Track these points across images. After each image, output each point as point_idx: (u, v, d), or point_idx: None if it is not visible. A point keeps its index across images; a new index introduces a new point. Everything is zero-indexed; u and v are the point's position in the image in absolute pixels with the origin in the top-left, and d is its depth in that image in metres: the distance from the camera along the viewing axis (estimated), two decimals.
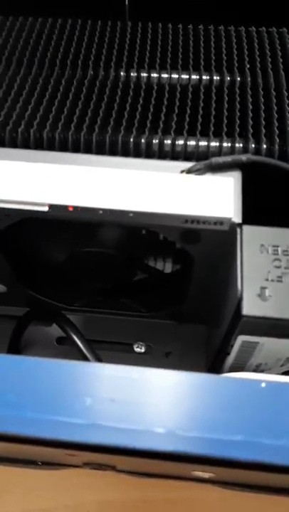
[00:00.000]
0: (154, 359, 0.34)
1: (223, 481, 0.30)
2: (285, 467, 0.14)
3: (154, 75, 0.30)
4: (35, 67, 0.30)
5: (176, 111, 0.27)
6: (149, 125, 0.26)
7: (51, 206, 0.23)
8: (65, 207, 0.23)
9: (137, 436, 0.14)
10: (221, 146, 0.26)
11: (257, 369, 0.26)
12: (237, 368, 0.26)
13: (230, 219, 0.23)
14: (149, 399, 0.16)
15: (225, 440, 0.14)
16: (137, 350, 0.34)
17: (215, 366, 0.28)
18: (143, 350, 0.34)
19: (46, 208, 0.23)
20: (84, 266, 0.32)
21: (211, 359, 0.30)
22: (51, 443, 0.16)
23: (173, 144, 0.26)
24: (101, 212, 0.23)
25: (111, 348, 0.34)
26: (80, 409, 0.16)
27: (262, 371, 0.26)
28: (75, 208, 0.23)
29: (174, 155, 0.26)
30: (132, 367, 0.17)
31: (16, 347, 0.32)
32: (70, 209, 0.23)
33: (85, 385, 0.17)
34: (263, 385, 0.17)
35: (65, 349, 0.34)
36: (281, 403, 0.16)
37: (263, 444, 0.14)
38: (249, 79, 0.29)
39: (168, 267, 0.35)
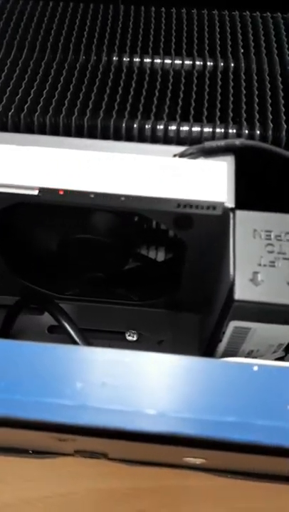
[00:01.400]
0: (146, 347, 0.34)
1: (214, 469, 0.30)
2: (276, 448, 0.14)
3: (147, 59, 0.30)
4: (25, 50, 0.29)
5: (169, 95, 0.27)
6: (141, 110, 0.26)
7: (41, 190, 0.22)
8: (56, 190, 0.22)
9: (128, 418, 0.14)
10: (214, 132, 0.26)
11: (249, 356, 0.26)
12: (229, 354, 0.26)
13: (223, 203, 0.22)
14: (140, 382, 0.16)
15: (217, 421, 0.14)
16: (129, 338, 0.33)
17: (207, 353, 0.28)
18: (135, 338, 0.34)
19: (36, 192, 0.23)
20: (76, 254, 0.31)
21: (204, 346, 0.30)
22: (42, 426, 0.16)
23: (166, 129, 0.26)
24: (92, 196, 0.22)
25: (103, 337, 0.34)
26: (71, 393, 0.16)
27: (254, 358, 0.26)
28: (66, 191, 0.22)
29: (166, 140, 0.26)
30: (123, 350, 0.17)
31: (6, 336, 0.32)
32: (61, 193, 0.22)
33: (76, 369, 0.17)
34: (256, 368, 0.17)
35: (56, 338, 0.34)
36: (273, 386, 0.16)
37: (255, 424, 0.14)
38: (243, 64, 0.29)
39: (160, 255, 0.35)
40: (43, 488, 0.36)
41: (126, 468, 0.34)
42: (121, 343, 0.33)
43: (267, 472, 0.28)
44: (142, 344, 0.33)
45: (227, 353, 0.26)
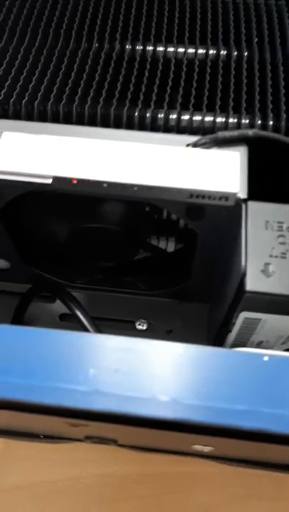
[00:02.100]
0: (155, 337, 0.34)
1: (222, 457, 0.30)
2: (285, 436, 0.14)
3: (161, 48, 0.29)
4: (27, 37, 0.29)
5: (182, 85, 0.27)
6: (154, 99, 0.26)
7: (55, 178, 0.23)
8: (70, 179, 0.22)
9: (140, 404, 0.15)
10: (227, 122, 0.26)
11: (258, 346, 0.26)
12: (238, 345, 0.26)
13: (235, 194, 0.22)
14: (153, 370, 0.16)
15: (228, 409, 0.14)
16: (139, 327, 0.34)
17: (216, 343, 0.28)
18: (145, 327, 0.34)
19: (50, 181, 0.23)
20: (87, 243, 0.32)
21: (212, 337, 0.30)
22: (55, 411, 0.16)
23: (178, 119, 0.26)
24: (105, 185, 0.23)
25: (113, 326, 0.34)
26: (84, 379, 0.16)
27: (263, 349, 0.26)
28: (79, 180, 0.23)
29: (179, 129, 0.26)
30: (136, 338, 0.17)
31: (19, 323, 0.32)
32: (75, 182, 0.23)
33: (89, 355, 0.17)
34: (266, 358, 0.17)
35: (68, 326, 0.34)
36: (282, 375, 0.16)
37: (264, 412, 0.14)
38: (257, 53, 0.29)
39: (171, 246, 0.35)
40: (53, 472, 0.37)
41: (134, 454, 0.35)
42: (131, 332, 0.34)
43: (273, 461, 0.28)
44: (152, 333, 0.34)
45: (236, 344, 0.26)
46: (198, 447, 0.24)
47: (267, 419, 0.14)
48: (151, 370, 0.16)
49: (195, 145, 0.24)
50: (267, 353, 0.18)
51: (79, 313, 0.28)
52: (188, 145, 0.24)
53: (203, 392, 0.15)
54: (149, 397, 0.15)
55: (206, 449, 0.24)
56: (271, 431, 0.14)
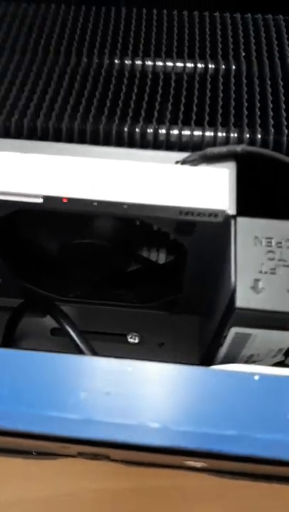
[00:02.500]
0: (147, 349, 0.34)
1: (215, 470, 0.30)
2: (277, 461, 0.14)
3: (149, 62, 0.30)
4: (28, 54, 0.29)
5: (171, 100, 0.27)
6: (143, 114, 0.26)
7: (45, 198, 0.23)
8: (60, 199, 0.22)
9: (131, 431, 0.15)
10: (215, 136, 0.26)
11: (249, 360, 0.26)
12: (229, 358, 0.26)
13: (224, 211, 0.23)
14: (143, 392, 0.16)
15: (218, 434, 0.14)
16: (131, 340, 0.34)
17: (208, 357, 0.28)
18: (137, 340, 0.34)
19: (40, 200, 0.23)
20: (78, 257, 0.31)
21: (204, 350, 0.31)
22: (45, 437, 0.16)
23: (167, 134, 0.26)
24: (95, 204, 0.23)
25: (105, 339, 0.34)
26: (75, 403, 0.16)
27: (254, 362, 0.26)
28: (70, 199, 0.22)
29: (168, 145, 0.26)
30: (127, 360, 0.17)
31: (10, 338, 0.32)
32: (65, 201, 0.23)
33: (80, 378, 0.17)
34: (257, 377, 0.17)
35: (59, 340, 0.34)
36: (274, 397, 0.16)
37: (256, 438, 0.14)
38: (244, 67, 0.29)
39: (162, 258, 0.35)
40: (45, 488, 0.37)
41: (126, 469, 0.35)
42: (123, 345, 0.34)
43: (269, 474, 0.28)
44: (144, 346, 0.34)
45: (228, 357, 0.26)
46: (190, 463, 0.24)
47: (257, 444, 0.14)
48: (142, 392, 0.16)
49: (184, 162, 0.24)
50: (258, 371, 0.18)
51: (69, 329, 0.28)
52: (177, 162, 0.24)
53: (194, 417, 0.15)
54: (140, 424, 0.15)
55: (199, 464, 0.24)
56: (261, 456, 0.14)
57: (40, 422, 0.15)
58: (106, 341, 0.34)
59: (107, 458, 0.27)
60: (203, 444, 0.14)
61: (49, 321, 0.34)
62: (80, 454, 0.27)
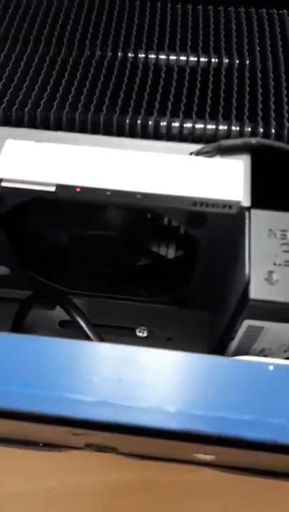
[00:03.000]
0: (155, 344, 0.34)
1: (223, 465, 0.30)
2: None
3: (163, 56, 0.30)
4: (42, 46, 0.29)
5: (185, 93, 0.27)
6: (157, 107, 0.26)
7: (58, 186, 0.23)
8: (73, 187, 0.22)
9: (145, 414, 0.14)
10: (229, 130, 0.26)
11: (260, 354, 0.26)
12: (241, 352, 0.26)
13: (239, 202, 0.22)
14: (156, 379, 0.16)
15: (234, 419, 0.14)
16: (140, 334, 0.34)
17: (218, 351, 0.28)
18: (145, 334, 0.34)
19: (53, 189, 0.23)
20: (88, 250, 0.31)
21: (214, 344, 0.30)
22: (58, 421, 0.16)
23: (181, 127, 0.26)
24: (109, 193, 0.23)
25: (113, 332, 0.34)
26: (87, 388, 0.16)
27: (265, 356, 0.26)
28: (83, 188, 0.22)
29: (181, 137, 0.26)
30: (140, 347, 0.17)
31: (19, 330, 0.32)
32: (78, 190, 0.23)
33: (92, 364, 0.17)
34: (271, 367, 0.17)
35: (67, 332, 0.34)
36: (288, 385, 0.16)
37: (270, 423, 0.14)
38: (259, 62, 0.29)
39: (171, 253, 0.35)
40: (50, 480, 0.37)
41: (132, 462, 0.35)
42: (131, 338, 0.33)
43: (276, 470, 0.28)
44: (152, 340, 0.34)
45: (239, 351, 0.26)
46: (199, 456, 0.24)
47: (273, 429, 0.14)
48: (155, 379, 0.16)
49: (198, 153, 0.24)
50: (271, 361, 0.18)
51: (80, 320, 0.28)
52: (191, 153, 0.24)
53: (209, 402, 0.15)
54: (154, 407, 0.14)
55: (208, 457, 0.24)
56: (277, 441, 0.14)
57: (52, 403, 0.15)
58: (114, 335, 0.33)
59: (114, 450, 0.27)
60: (218, 428, 0.14)
61: (58, 313, 0.34)
62: (88, 446, 0.27)
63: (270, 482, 0.34)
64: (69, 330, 0.34)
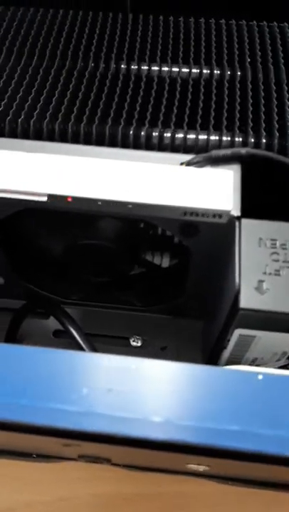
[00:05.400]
0: (150, 353, 0.34)
1: (217, 476, 0.30)
2: (280, 457, 0.14)
3: (155, 67, 0.30)
4: (36, 58, 0.30)
5: (176, 104, 0.27)
6: (149, 117, 0.26)
7: (50, 196, 0.23)
8: (64, 197, 0.23)
9: (133, 425, 0.14)
10: (220, 140, 0.26)
11: (253, 363, 0.26)
12: (233, 362, 0.26)
13: (229, 212, 0.23)
14: (146, 389, 0.16)
15: (221, 429, 0.14)
16: (133, 344, 0.34)
17: (211, 360, 0.28)
18: (139, 344, 0.34)
19: (45, 198, 0.23)
20: (81, 259, 0.32)
21: (207, 353, 0.30)
22: (47, 431, 0.16)
23: (172, 137, 0.26)
24: (100, 203, 0.23)
25: (107, 342, 0.34)
26: (77, 398, 0.16)
27: (257, 366, 0.26)
28: (74, 198, 0.23)
29: (173, 148, 0.26)
30: (130, 357, 0.17)
31: (12, 339, 0.32)
32: (69, 199, 0.23)
33: (82, 374, 0.17)
34: (260, 377, 0.17)
35: (61, 342, 0.34)
36: (278, 395, 0.16)
37: (259, 433, 0.14)
38: (250, 73, 0.29)
39: (165, 262, 0.35)
40: (44, 492, 0.36)
41: (126, 474, 0.34)
42: (125, 348, 0.33)
43: (269, 480, 0.28)
44: (146, 350, 0.34)
45: (231, 360, 0.26)
46: (193, 466, 0.23)
47: (261, 440, 0.14)
48: (144, 389, 0.16)
49: (189, 163, 0.24)
50: (261, 371, 0.18)
51: (72, 330, 0.28)
52: (182, 163, 0.24)
53: (197, 412, 0.15)
54: (142, 417, 0.14)
55: (201, 468, 0.23)
56: (266, 452, 0.14)
57: (42, 414, 0.15)
58: (108, 344, 0.33)
59: (108, 462, 0.26)
60: (206, 439, 0.14)
61: (52, 323, 0.34)
62: (81, 457, 0.27)
63: (267, 493, 0.34)
64: (63, 340, 0.34)
